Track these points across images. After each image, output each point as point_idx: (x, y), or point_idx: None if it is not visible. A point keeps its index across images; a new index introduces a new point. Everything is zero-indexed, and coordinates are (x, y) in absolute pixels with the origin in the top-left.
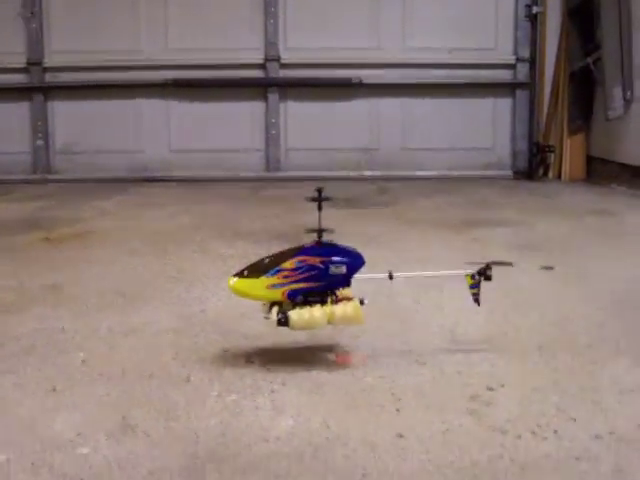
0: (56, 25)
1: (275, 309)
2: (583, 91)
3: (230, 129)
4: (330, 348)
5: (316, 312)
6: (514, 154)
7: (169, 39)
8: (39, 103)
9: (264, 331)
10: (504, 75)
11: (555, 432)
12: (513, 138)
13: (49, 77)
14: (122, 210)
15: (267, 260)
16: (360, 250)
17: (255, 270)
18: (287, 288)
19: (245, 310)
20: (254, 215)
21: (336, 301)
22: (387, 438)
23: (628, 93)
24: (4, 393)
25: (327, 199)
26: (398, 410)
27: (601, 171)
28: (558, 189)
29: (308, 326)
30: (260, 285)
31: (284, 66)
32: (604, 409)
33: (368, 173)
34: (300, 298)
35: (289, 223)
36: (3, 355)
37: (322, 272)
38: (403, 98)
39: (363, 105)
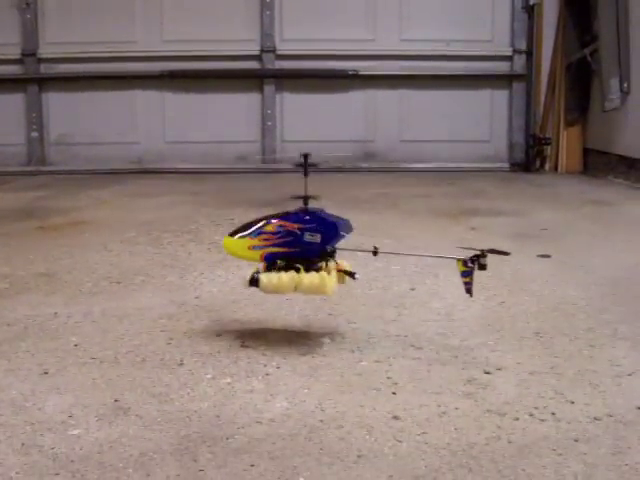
0: (51, 16)
1: (252, 271)
2: (580, 83)
3: (226, 121)
4: (325, 333)
5: (284, 277)
6: (511, 146)
7: (164, 30)
8: (34, 94)
9: (259, 317)
10: (501, 67)
11: (553, 414)
12: (510, 130)
13: (44, 68)
14: (117, 199)
15: (256, 221)
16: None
17: (243, 230)
18: (265, 251)
19: (239, 297)
20: (249, 206)
21: (323, 271)
22: (383, 420)
23: (625, 85)
24: None
25: (313, 165)
26: (394, 393)
27: (598, 163)
28: (555, 181)
29: (276, 290)
30: (243, 245)
31: (280, 57)
32: (602, 392)
33: (365, 165)
34: (280, 263)
35: None
36: None
37: (298, 238)
38: (400, 90)
39: (360, 97)
